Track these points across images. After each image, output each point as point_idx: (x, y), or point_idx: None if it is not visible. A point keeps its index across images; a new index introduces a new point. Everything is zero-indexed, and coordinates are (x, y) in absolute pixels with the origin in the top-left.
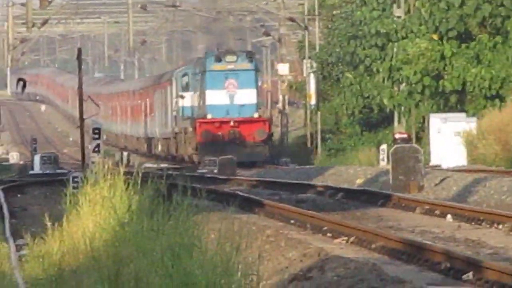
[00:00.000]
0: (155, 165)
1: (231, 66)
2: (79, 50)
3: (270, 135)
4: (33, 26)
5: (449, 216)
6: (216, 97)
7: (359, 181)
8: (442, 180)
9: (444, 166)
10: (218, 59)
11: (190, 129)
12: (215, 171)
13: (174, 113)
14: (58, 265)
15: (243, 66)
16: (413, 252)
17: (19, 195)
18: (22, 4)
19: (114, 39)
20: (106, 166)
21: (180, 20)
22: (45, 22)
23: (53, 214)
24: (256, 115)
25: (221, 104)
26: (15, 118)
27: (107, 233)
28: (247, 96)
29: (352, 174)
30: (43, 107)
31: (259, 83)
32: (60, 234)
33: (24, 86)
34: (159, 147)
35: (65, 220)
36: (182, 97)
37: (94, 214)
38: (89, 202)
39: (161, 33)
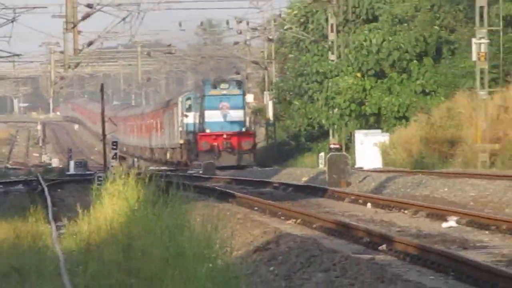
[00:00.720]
0: (156, 168)
1: (224, 92)
2: (102, 85)
3: (254, 145)
4: (69, 67)
5: (369, 204)
6: (212, 116)
7: (304, 179)
8: (364, 178)
9: (365, 168)
10: (214, 86)
11: (193, 140)
12: (201, 172)
13: (180, 128)
14: (87, 240)
15: (234, 92)
16: (343, 230)
17: (59, 190)
18: (61, 52)
19: (127, 77)
20: (121, 169)
21: (175, 62)
22: (77, 65)
23: (83, 203)
24: (243, 130)
25: (216, 121)
26: (56, 134)
27: (122, 217)
28: (236, 115)
29: (299, 174)
30: (76, 126)
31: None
32: (88, 218)
33: None
34: (168, 155)
35: (91, 208)
36: (186, 116)
37: (112, 204)
38: (109, 195)
39: (161, 72)
